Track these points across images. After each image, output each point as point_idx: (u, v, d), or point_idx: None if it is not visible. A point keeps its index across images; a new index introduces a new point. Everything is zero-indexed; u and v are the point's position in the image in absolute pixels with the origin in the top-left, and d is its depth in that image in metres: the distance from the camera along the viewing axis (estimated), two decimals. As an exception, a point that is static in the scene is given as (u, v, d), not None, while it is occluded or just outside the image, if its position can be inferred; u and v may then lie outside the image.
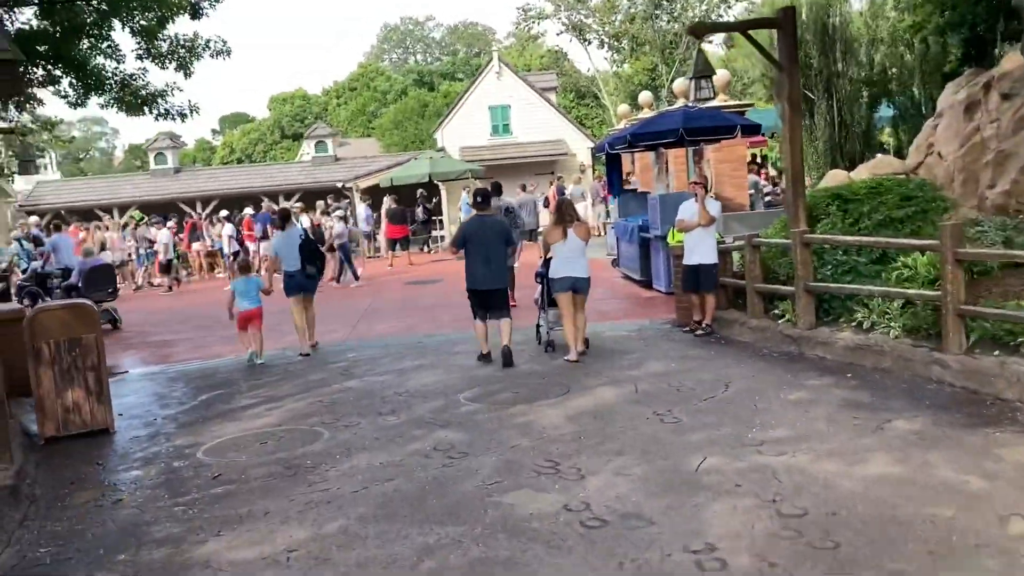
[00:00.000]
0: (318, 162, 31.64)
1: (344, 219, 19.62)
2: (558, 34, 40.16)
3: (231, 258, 20.63)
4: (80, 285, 14.14)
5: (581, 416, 6.84)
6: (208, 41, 11.27)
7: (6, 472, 5.65)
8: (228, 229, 21.66)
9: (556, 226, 9.00)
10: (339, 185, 28.62)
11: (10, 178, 16.69)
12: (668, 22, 37.88)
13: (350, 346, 11.23)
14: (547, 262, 9.26)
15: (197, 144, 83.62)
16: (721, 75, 19.92)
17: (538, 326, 9.87)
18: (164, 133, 31.97)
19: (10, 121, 13.64)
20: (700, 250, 9.99)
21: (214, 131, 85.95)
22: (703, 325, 10.06)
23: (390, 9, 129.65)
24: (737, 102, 18.06)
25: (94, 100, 11.90)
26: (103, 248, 19.34)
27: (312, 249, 11.00)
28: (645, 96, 25.82)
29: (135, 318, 15.48)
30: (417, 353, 10.21)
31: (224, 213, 23.10)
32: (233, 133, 72.44)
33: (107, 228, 21.05)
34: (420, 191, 23.65)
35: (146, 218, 23.68)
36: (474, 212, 9.58)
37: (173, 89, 11.70)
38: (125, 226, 24.54)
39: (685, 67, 37.53)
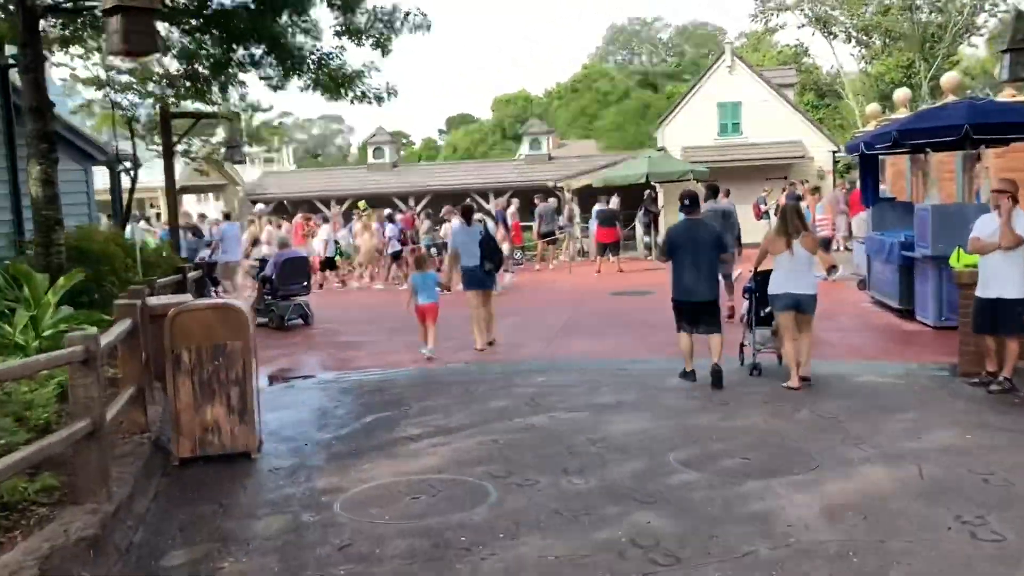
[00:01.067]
0: (531, 160, 30.67)
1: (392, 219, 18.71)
2: (799, 27, 36.86)
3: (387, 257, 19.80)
4: (274, 277, 13.63)
5: (844, 512, 4.86)
6: (407, 14, 10.13)
7: (92, 516, 4.51)
8: (391, 229, 20.30)
9: (779, 235, 8.06)
10: (550, 184, 27.41)
11: (243, 164, 16.79)
12: (930, 13, 33.50)
13: (542, 366, 9.70)
14: (760, 276, 8.51)
15: (424, 143, 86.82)
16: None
17: (742, 345, 8.88)
18: (383, 128, 32.24)
19: (216, 105, 13.29)
20: (1000, 279, 7.59)
21: (440, 131, 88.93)
22: (999, 378, 7.65)
23: (617, 9, 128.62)
24: (1034, 96, 14.80)
25: (294, 83, 10.95)
26: (255, 243, 18.89)
27: (493, 246, 10.99)
28: (902, 93, 22.49)
29: (329, 315, 14.84)
30: (619, 384, 8.49)
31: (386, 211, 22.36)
32: (457, 133, 74.45)
33: (278, 225, 20.54)
34: (648, 191, 21.83)
35: (368, 210, 23.46)
36: (682, 216, 8.61)
37: (371, 70, 10.69)
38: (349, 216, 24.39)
39: (947, 64, 33.20)
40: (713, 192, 13.22)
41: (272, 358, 11.02)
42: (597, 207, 21.77)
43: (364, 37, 10.18)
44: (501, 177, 29.94)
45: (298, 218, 22.08)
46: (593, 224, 22.12)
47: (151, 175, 20.73)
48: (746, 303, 8.87)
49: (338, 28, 10.41)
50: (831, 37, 35.99)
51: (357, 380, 9.55)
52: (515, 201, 22.98)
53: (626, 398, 7.92)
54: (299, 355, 11.42)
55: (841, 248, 23.27)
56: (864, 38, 35.03)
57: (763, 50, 41.82)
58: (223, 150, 15.45)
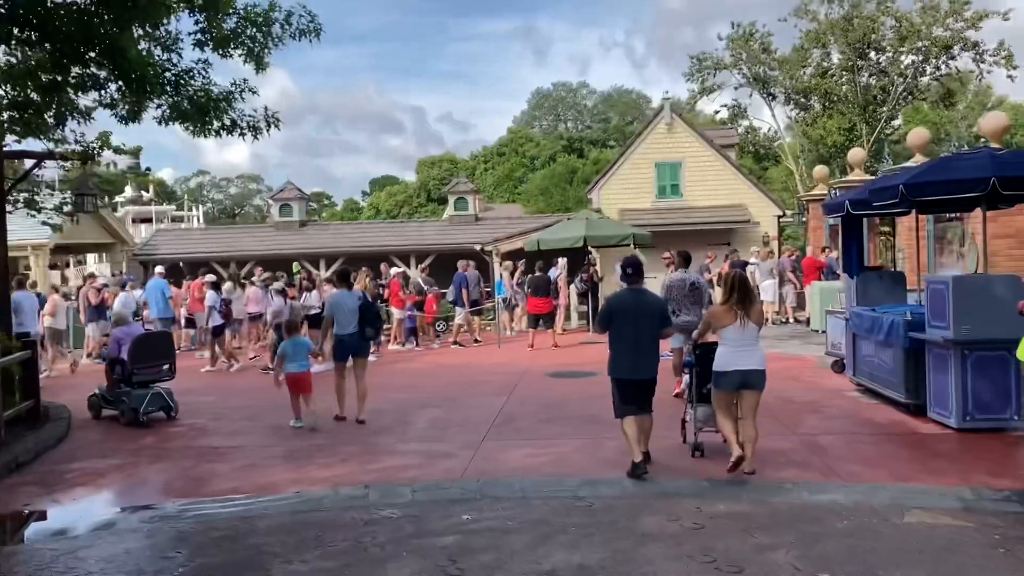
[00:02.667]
0: (457, 221, 28.49)
1: (283, 292, 15.59)
2: (736, 87, 35.85)
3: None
4: (124, 358, 10.82)
5: None
6: (289, 15, 7.75)
7: None
8: (211, 297, 17.40)
9: (726, 306, 7.54)
10: (477, 248, 25.17)
11: (91, 213, 13.68)
12: (869, 76, 32.85)
13: (468, 492, 7.21)
14: (700, 348, 8.11)
15: (345, 204, 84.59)
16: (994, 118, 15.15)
17: (684, 421, 8.57)
18: (292, 183, 29.62)
19: (55, 142, 10.58)
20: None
21: (364, 193, 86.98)
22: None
23: (542, 76, 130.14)
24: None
25: (150, 113, 8.40)
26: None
27: (373, 312, 10.77)
28: (856, 154, 21.23)
29: (203, 404, 12.03)
30: (577, 528, 6.09)
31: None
32: (380, 194, 72.62)
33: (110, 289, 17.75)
34: (588, 256, 19.62)
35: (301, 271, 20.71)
36: (623, 284, 8.01)
37: (242, 91, 8.21)
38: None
39: (890, 129, 32.58)
40: (685, 260, 11.52)
41: (103, 473, 8.31)
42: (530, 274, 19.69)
43: (232, 47, 7.71)
44: (423, 239, 27.63)
45: (202, 278, 19.26)
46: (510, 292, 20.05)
47: (21, 229, 17.78)
48: (687, 377, 8.54)
49: (200, 37, 7.90)
50: (770, 98, 35.09)
51: (207, 517, 6.87)
52: (516, 264, 20.53)
53: (589, 555, 5.47)
54: (142, 469, 8.65)
55: (790, 320, 21.53)
56: (803, 100, 34.22)
57: (696, 112, 40.90)
58: (75, 198, 12.54)
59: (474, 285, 19.19)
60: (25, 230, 18.71)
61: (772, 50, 34.03)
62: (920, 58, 31.06)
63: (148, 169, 17.69)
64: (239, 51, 7.77)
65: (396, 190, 71.48)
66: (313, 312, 15.28)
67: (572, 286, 21.67)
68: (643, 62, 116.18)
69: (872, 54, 32.16)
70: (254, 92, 8.24)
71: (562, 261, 21.23)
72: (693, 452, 8.07)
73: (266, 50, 7.79)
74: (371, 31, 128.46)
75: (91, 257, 30.16)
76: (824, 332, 15.13)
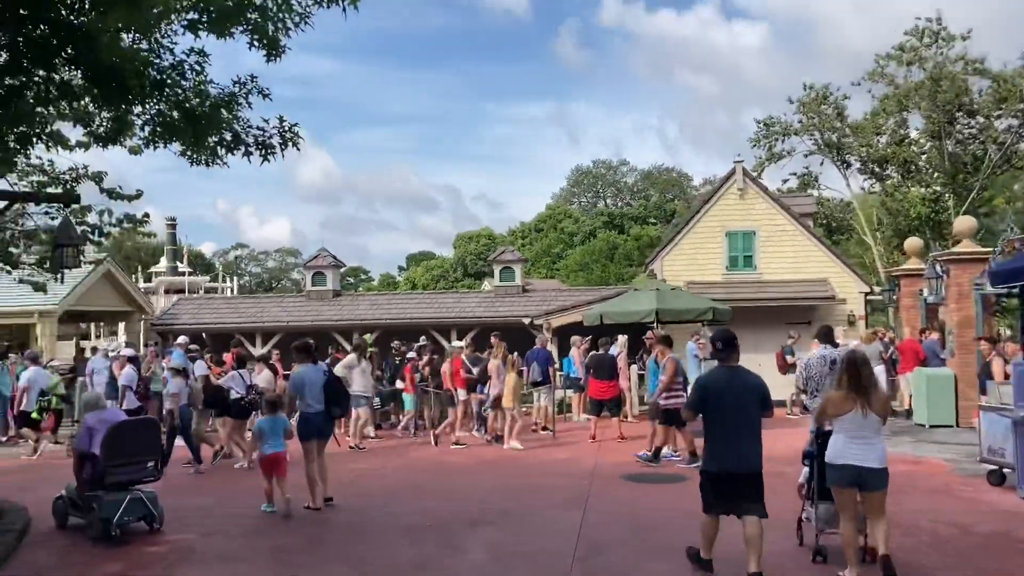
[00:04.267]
0: (502, 292, 26.15)
1: (182, 372, 13.18)
2: (806, 155, 33.49)
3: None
4: (95, 453, 8.47)
5: None
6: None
7: None
8: (127, 375, 15.03)
9: (844, 391, 6.66)
10: (526, 321, 22.75)
11: (77, 267, 11.43)
12: (956, 142, 30.24)
13: None
14: (823, 438, 7.10)
15: (381, 279, 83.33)
16: None
17: (800, 521, 7.73)
18: (326, 250, 27.63)
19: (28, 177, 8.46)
20: None
21: (400, 268, 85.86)
22: None
23: (582, 154, 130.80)
24: None
25: (130, 131, 6.18)
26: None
27: (339, 389, 10.39)
28: (965, 222, 18.67)
29: (199, 505, 9.59)
30: None
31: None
32: (417, 269, 71.46)
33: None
34: (650, 331, 17.05)
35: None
36: (713, 363, 7.34)
37: (248, 92, 6.00)
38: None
39: (980, 200, 29.74)
40: (827, 336, 10.52)
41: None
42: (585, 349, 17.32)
43: (236, 25, 5.50)
44: (465, 311, 25.29)
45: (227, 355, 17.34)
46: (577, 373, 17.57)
47: (27, 294, 15.86)
48: (806, 470, 7.77)
49: (194, 16, 5.71)
50: (844, 166, 32.68)
51: None
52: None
53: None
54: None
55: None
56: (878, 169, 31.78)
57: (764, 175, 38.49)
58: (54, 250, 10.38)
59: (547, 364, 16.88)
60: (31, 295, 16.78)
61: (846, 115, 31.85)
62: (1019, 122, 28.54)
63: (147, 215, 15.67)
64: (243, 29, 5.60)
65: (433, 265, 70.42)
66: (235, 396, 13.25)
67: (632, 367, 19.13)
68: (676, 145, 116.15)
69: (962, 117, 29.77)
70: (266, 95, 6.06)
71: (622, 338, 18.80)
72: (815, 557, 7.25)
73: (282, 26, 5.62)
74: (408, 115, 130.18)
75: (120, 326, 28.14)
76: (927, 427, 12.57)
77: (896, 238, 32.31)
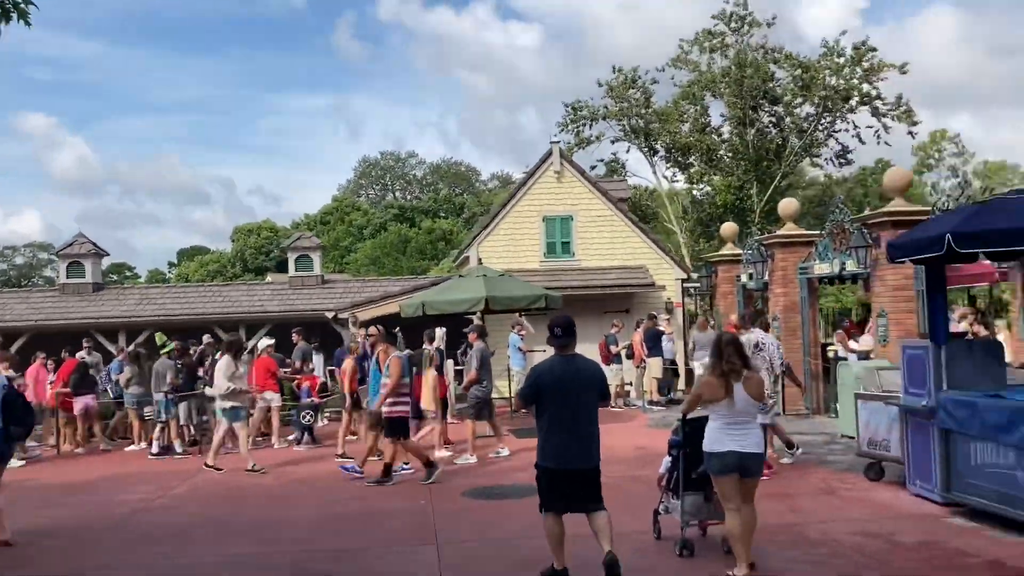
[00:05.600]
0: (298, 283, 23.52)
1: None
2: (613, 141, 33.07)
3: None
4: None
5: None
6: None
7: None
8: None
9: (716, 376, 6.45)
10: (329, 315, 20.36)
11: None
12: (757, 130, 30.72)
13: None
14: (691, 425, 6.98)
15: (150, 275, 76.44)
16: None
17: (657, 513, 7.52)
18: (83, 235, 23.65)
19: None
20: None
21: (171, 264, 79.23)
22: None
23: (359, 151, 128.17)
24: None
25: None
26: None
27: (22, 406, 8.80)
28: (791, 205, 18.44)
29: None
30: None
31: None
32: (191, 264, 66.05)
33: None
34: (473, 324, 15.27)
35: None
36: (546, 352, 7.15)
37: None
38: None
39: (782, 185, 30.34)
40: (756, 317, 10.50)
41: None
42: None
43: None
44: (255, 306, 22.45)
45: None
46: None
47: None
48: (667, 460, 7.43)
49: None
50: (651, 153, 32.55)
51: None
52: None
53: None
54: None
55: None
56: (681, 158, 31.94)
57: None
58: None
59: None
60: None
61: (653, 101, 31.74)
62: (819, 110, 29.47)
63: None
64: None
65: (208, 259, 65.34)
66: None
67: (448, 363, 17.30)
68: (457, 141, 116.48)
69: (766, 104, 30.40)
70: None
71: (440, 332, 16.99)
72: (680, 551, 6.99)
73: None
74: (178, 103, 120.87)
75: None
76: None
77: (700, 226, 32.76)
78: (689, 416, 6.99)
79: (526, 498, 9.32)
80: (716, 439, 6.43)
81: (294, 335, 17.10)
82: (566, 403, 6.30)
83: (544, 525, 6.39)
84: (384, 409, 10.82)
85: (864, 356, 17.11)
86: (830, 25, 76.63)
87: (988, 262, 17.52)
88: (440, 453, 12.55)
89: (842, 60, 28.59)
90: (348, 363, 13.40)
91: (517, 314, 18.93)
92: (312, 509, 9.56)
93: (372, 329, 12.40)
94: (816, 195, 35.99)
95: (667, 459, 7.43)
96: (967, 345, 8.54)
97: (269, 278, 28.81)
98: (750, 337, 10.15)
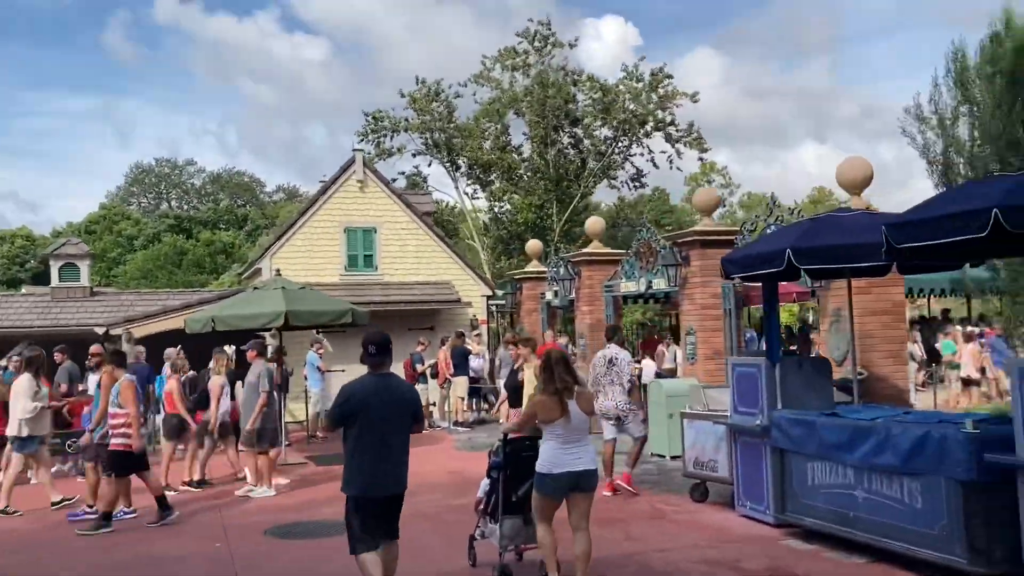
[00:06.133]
0: (63, 295, 20.90)
1: None
2: (415, 154, 32.22)
3: None
4: None
5: None
6: None
7: None
8: None
9: (549, 395, 6.31)
10: (100, 331, 18.12)
11: None
12: (558, 151, 30.97)
13: None
14: (512, 445, 6.86)
15: None
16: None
17: (473, 539, 7.21)
18: None
19: None
20: None
21: (-99, 276, 69.73)
22: None
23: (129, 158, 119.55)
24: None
25: None
26: None
27: None
28: (597, 223, 18.52)
29: None
30: None
31: None
32: (-78, 276, 58.40)
33: None
34: (253, 341, 13.84)
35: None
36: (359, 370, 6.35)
37: None
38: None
39: (582, 207, 30.80)
40: (614, 333, 10.46)
41: None
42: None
43: None
44: (10, 317, 19.69)
45: None
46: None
47: None
48: (486, 483, 7.12)
49: None
50: (454, 169, 31.97)
51: None
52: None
53: None
54: None
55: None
56: (482, 175, 31.65)
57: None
58: None
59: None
60: None
61: (456, 116, 31.23)
62: (617, 133, 30.11)
63: None
64: None
65: (-52, 269, 58.02)
66: None
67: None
68: (237, 152, 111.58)
69: (567, 125, 30.69)
70: None
71: (230, 350, 15.59)
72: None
73: None
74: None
75: None
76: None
77: (500, 244, 32.62)
78: (510, 436, 6.90)
79: (338, 536, 8.38)
80: (553, 460, 6.27)
81: (56, 354, 14.93)
82: (379, 425, 5.94)
83: (359, 563, 5.86)
84: (113, 441, 9.20)
85: (667, 375, 17.45)
86: (607, 61, 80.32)
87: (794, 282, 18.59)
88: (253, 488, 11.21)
89: (640, 85, 29.55)
90: (172, 384, 11.95)
91: (315, 331, 17.76)
92: (84, 556, 8.06)
93: (170, 350, 10.97)
94: (608, 217, 37.12)
95: (485, 481, 7.18)
96: (798, 363, 8.49)
97: (24, 290, 25.58)
98: (605, 352, 10.23)
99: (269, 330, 15.49)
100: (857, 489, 7.06)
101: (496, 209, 32.04)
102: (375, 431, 5.93)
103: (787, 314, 26.46)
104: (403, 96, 30.76)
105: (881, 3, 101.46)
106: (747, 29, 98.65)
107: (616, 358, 10.10)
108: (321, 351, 17.92)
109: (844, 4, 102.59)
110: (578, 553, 6.23)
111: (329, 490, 9.48)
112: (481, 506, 7.19)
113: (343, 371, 17.12)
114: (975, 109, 10.22)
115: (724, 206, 48.38)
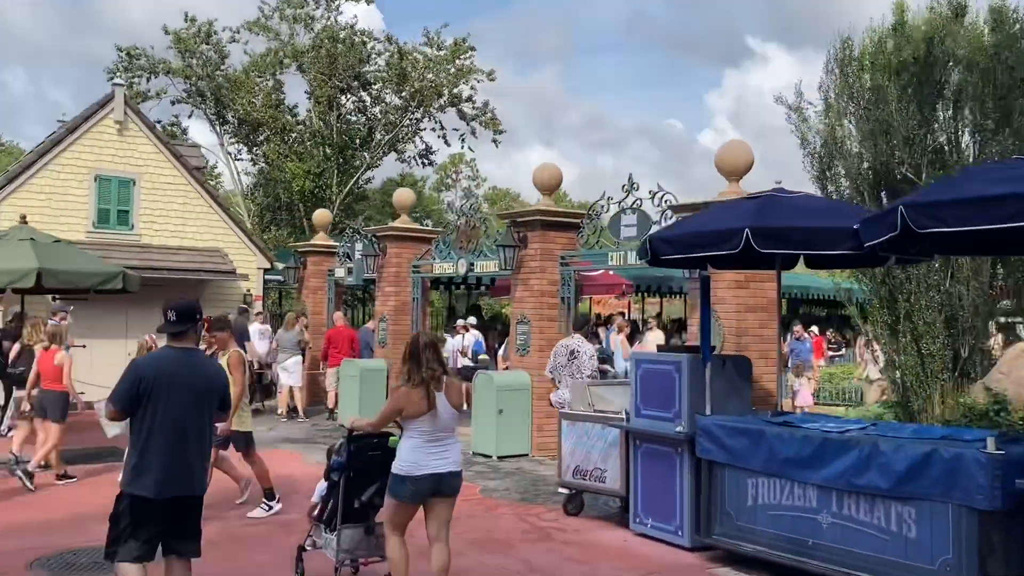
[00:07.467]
0: None
1: None
2: (174, 102, 28.07)
3: None
4: None
5: None
6: None
7: None
8: None
9: (415, 385, 5.60)
10: None
11: None
12: (340, 116, 28.32)
13: None
14: (356, 442, 6.12)
15: None
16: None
17: (302, 549, 6.36)
18: None
19: None
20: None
21: None
22: None
23: None
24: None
25: None
26: None
27: None
28: (406, 195, 16.81)
29: None
30: None
31: None
32: None
33: None
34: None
35: None
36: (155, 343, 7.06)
37: None
38: None
39: (363, 182, 28.33)
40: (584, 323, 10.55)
41: None
42: None
43: None
44: None
45: None
46: None
47: None
48: (323, 486, 6.36)
49: None
50: (220, 122, 28.29)
51: None
52: None
53: None
54: None
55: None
56: (251, 135, 28.32)
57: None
58: None
59: None
60: None
61: (228, 64, 27.68)
62: (410, 103, 27.97)
63: None
64: None
65: None
66: None
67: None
68: None
69: (358, 88, 28.10)
70: None
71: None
72: None
73: None
74: None
75: None
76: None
77: (269, 213, 29.62)
78: (355, 434, 6.15)
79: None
80: (414, 461, 5.60)
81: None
82: (176, 409, 5.02)
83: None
84: None
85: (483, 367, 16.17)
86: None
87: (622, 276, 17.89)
88: None
89: (442, 53, 27.87)
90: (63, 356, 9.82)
91: (51, 298, 14.66)
92: None
93: None
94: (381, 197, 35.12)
95: (323, 484, 6.43)
96: (720, 361, 7.46)
97: None
98: (568, 343, 9.99)
99: (3, 291, 12.43)
100: (822, 513, 6.11)
101: (266, 173, 28.99)
102: (171, 418, 5.01)
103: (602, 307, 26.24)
104: (167, 33, 26.84)
105: (610, 21, 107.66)
106: (493, 28, 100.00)
107: (578, 350, 9.78)
108: (66, 321, 14.75)
109: (578, 16, 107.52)
110: (436, 568, 5.63)
111: (98, 499, 7.10)
112: (315, 512, 6.44)
113: (83, 346, 14.29)
114: (860, 101, 9.81)
115: (471, 196, 48.06)
